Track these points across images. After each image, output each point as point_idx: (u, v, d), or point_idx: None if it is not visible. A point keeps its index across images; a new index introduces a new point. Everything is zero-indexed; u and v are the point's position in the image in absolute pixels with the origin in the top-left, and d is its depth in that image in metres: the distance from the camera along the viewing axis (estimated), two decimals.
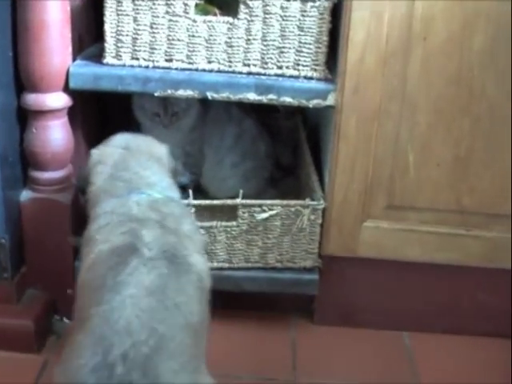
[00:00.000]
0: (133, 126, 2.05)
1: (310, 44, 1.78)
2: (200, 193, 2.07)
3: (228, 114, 2.06)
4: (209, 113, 2.05)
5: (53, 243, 1.85)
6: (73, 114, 1.86)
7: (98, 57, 1.83)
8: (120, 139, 1.60)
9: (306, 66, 1.80)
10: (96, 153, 1.57)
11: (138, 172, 1.49)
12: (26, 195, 1.84)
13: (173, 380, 1.15)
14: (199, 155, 2.07)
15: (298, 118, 2.23)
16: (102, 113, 2.14)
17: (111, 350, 1.13)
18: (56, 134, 1.81)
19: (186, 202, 1.82)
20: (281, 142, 2.21)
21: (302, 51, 1.79)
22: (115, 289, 1.21)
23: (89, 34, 1.95)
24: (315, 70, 1.80)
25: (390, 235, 1.88)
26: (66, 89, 1.79)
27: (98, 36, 1.88)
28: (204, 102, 2.00)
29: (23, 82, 1.77)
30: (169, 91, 1.78)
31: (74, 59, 1.83)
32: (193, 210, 1.83)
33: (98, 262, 1.30)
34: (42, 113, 1.78)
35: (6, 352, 1.82)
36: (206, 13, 1.83)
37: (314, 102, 1.79)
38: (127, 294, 1.19)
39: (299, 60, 1.79)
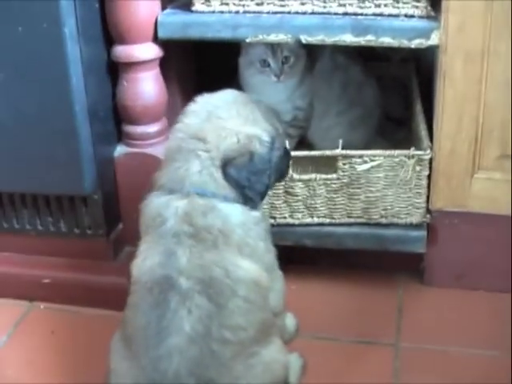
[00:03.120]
0: (233, 80, 1.98)
1: None
2: (306, 146, 1.97)
3: (334, 62, 1.94)
4: (315, 64, 1.93)
5: None
6: (166, 65, 1.80)
7: (187, 5, 1.75)
8: (217, 100, 1.46)
9: (407, 2, 1.65)
10: (196, 101, 1.47)
11: (189, 162, 1.38)
12: (119, 150, 1.82)
13: None
14: (309, 109, 1.95)
15: (411, 66, 2.08)
16: (201, 63, 2.07)
17: None
18: (147, 87, 1.76)
19: None
20: (392, 92, 2.06)
21: None
22: (159, 336, 1.29)
23: None
24: (416, 6, 1.65)
25: (504, 188, 1.72)
26: (156, 39, 1.73)
27: None
28: (309, 54, 1.90)
29: (111, 33, 1.72)
30: (260, 36, 1.69)
31: (164, 8, 1.77)
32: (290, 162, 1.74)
33: (139, 289, 1.35)
34: (132, 65, 1.73)
35: (103, 310, 1.80)
36: None
37: (415, 42, 1.64)
38: (171, 344, 1.28)
39: None
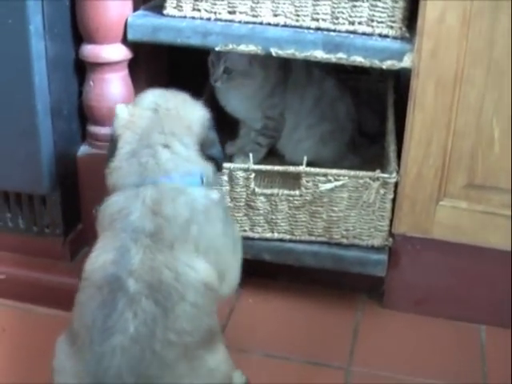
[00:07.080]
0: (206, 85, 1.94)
1: None
2: (276, 157, 1.95)
3: (309, 75, 1.90)
4: (290, 77, 1.90)
5: None
6: (136, 66, 1.77)
7: (160, 7, 1.71)
8: (149, 98, 1.44)
9: (381, 22, 1.60)
10: (123, 113, 1.43)
11: (156, 152, 1.37)
12: (83, 150, 1.79)
13: None
14: (280, 119, 1.92)
15: (390, 82, 2.03)
16: (176, 68, 2.02)
17: None
18: (113, 88, 1.72)
19: (245, 166, 1.71)
20: (368, 107, 2.02)
21: (376, 6, 1.59)
22: (105, 334, 1.27)
23: None
24: (391, 27, 1.60)
25: (469, 217, 1.68)
26: (125, 40, 1.70)
27: None
28: (285, 67, 1.88)
29: (80, 32, 1.69)
30: (230, 46, 1.65)
31: (137, 9, 1.73)
32: (252, 175, 1.71)
33: (89, 286, 1.33)
34: (99, 65, 1.70)
35: (55, 310, 1.78)
36: None
37: (387, 63, 1.60)
38: (115, 342, 1.27)
39: (373, 15, 1.60)
